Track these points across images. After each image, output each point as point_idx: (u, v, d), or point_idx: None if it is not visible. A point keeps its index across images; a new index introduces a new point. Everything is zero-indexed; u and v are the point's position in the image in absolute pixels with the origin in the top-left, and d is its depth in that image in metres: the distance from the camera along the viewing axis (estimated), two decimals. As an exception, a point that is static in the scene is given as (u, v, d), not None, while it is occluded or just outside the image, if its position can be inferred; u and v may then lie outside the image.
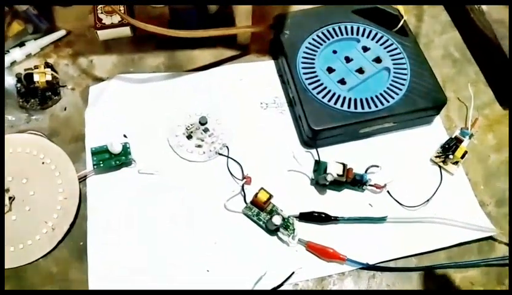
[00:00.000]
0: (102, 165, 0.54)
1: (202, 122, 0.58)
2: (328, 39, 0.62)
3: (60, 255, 0.51)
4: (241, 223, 0.53)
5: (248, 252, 0.52)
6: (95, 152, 0.55)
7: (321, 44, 0.61)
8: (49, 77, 0.58)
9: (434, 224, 0.54)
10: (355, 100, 0.57)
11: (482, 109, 0.63)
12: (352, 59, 0.60)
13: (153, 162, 0.56)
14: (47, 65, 0.60)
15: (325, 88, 0.58)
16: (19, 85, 0.59)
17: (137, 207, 0.54)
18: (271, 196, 0.53)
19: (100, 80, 0.62)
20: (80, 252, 0.51)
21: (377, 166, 0.56)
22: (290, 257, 0.52)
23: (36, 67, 0.59)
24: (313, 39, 0.61)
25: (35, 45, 0.63)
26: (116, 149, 0.54)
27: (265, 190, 0.53)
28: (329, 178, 0.54)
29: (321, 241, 0.52)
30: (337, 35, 0.62)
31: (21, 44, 0.63)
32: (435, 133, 0.61)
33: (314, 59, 0.60)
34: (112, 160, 0.55)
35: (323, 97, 0.57)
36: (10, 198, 0.52)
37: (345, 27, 0.62)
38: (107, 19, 0.63)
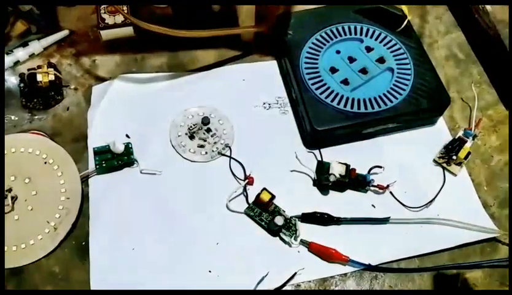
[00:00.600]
0: (104, 165, 0.54)
1: (205, 122, 0.58)
2: (332, 39, 0.61)
3: (62, 255, 0.51)
4: (243, 223, 0.53)
5: (251, 253, 0.52)
6: (97, 152, 0.55)
7: (324, 44, 0.61)
8: (52, 77, 0.59)
9: (437, 225, 0.54)
10: (358, 100, 0.57)
11: (485, 109, 0.63)
12: (355, 60, 0.60)
13: (155, 162, 0.56)
14: (50, 65, 0.60)
15: (328, 88, 0.58)
16: (22, 84, 0.59)
17: (139, 207, 0.54)
18: (273, 196, 0.53)
19: (103, 80, 0.62)
20: (82, 252, 0.51)
21: (380, 167, 0.56)
22: (292, 258, 0.51)
23: (39, 67, 0.59)
24: (316, 39, 0.61)
25: (38, 45, 0.63)
26: (119, 148, 0.54)
27: (267, 191, 0.53)
28: (332, 179, 0.54)
29: (323, 241, 0.52)
30: (340, 36, 0.62)
31: (25, 44, 0.63)
32: (438, 133, 0.60)
33: (317, 59, 0.60)
34: (115, 160, 0.55)
35: (326, 97, 0.57)
36: (12, 197, 0.52)
37: (349, 28, 0.62)
38: (110, 19, 0.63)
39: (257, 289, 0.49)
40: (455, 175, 0.57)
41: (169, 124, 0.59)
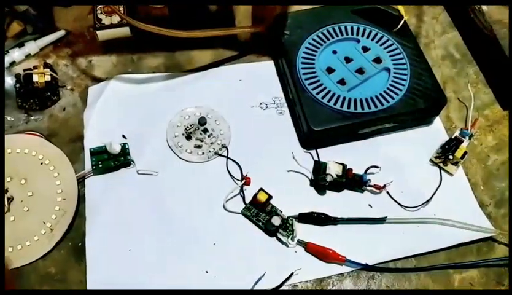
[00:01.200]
0: (101, 166, 0.54)
1: (202, 123, 0.58)
2: (328, 39, 0.61)
3: (59, 256, 0.51)
4: (240, 224, 0.53)
5: (248, 253, 0.52)
6: (94, 153, 0.55)
7: (321, 44, 0.61)
8: (48, 78, 0.58)
9: (434, 224, 0.54)
10: (355, 100, 0.57)
11: (482, 109, 0.63)
12: (351, 60, 0.60)
13: (152, 163, 0.56)
14: (46, 65, 0.60)
15: (325, 88, 0.58)
16: (18, 85, 0.59)
17: (135, 208, 0.53)
18: (270, 196, 0.53)
19: (100, 80, 0.62)
20: (78, 252, 0.51)
21: (377, 167, 0.56)
22: (289, 258, 0.51)
23: (35, 67, 0.59)
24: (313, 39, 0.61)
25: (34, 45, 0.63)
26: (115, 149, 0.54)
27: (264, 191, 0.53)
28: (329, 179, 0.54)
29: (320, 242, 0.52)
30: (337, 36, 0.62)
31: (21, 44, 0.63)
32: (435, 133, 0.60)
33: (313, 59, 0.60)
34: (111, 161, 0.55)
35: (322, 97, 0.57)
36: (8, 198, 0.52)
37: (345, 28, 0.62)
38: (106, 20, 0.63)
39: (254, 289, 0.49)
40: (452, 175, 0.57)
41: (165, 124, 0.59)
